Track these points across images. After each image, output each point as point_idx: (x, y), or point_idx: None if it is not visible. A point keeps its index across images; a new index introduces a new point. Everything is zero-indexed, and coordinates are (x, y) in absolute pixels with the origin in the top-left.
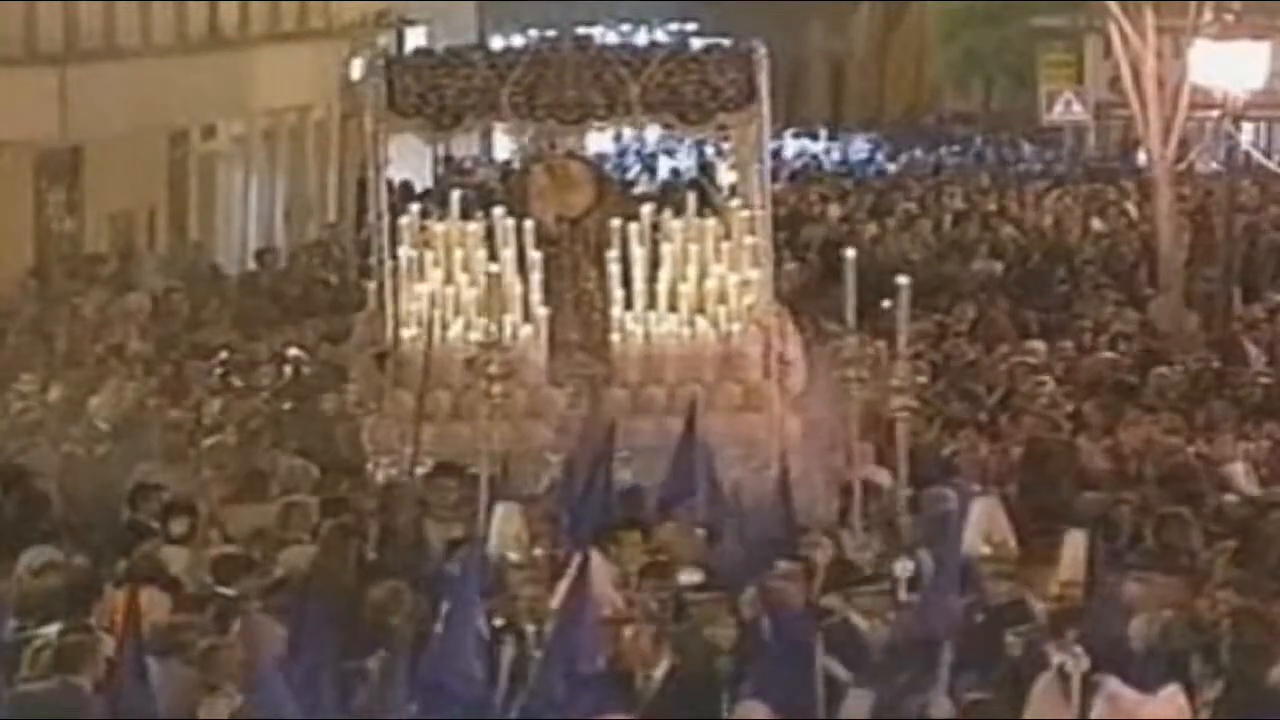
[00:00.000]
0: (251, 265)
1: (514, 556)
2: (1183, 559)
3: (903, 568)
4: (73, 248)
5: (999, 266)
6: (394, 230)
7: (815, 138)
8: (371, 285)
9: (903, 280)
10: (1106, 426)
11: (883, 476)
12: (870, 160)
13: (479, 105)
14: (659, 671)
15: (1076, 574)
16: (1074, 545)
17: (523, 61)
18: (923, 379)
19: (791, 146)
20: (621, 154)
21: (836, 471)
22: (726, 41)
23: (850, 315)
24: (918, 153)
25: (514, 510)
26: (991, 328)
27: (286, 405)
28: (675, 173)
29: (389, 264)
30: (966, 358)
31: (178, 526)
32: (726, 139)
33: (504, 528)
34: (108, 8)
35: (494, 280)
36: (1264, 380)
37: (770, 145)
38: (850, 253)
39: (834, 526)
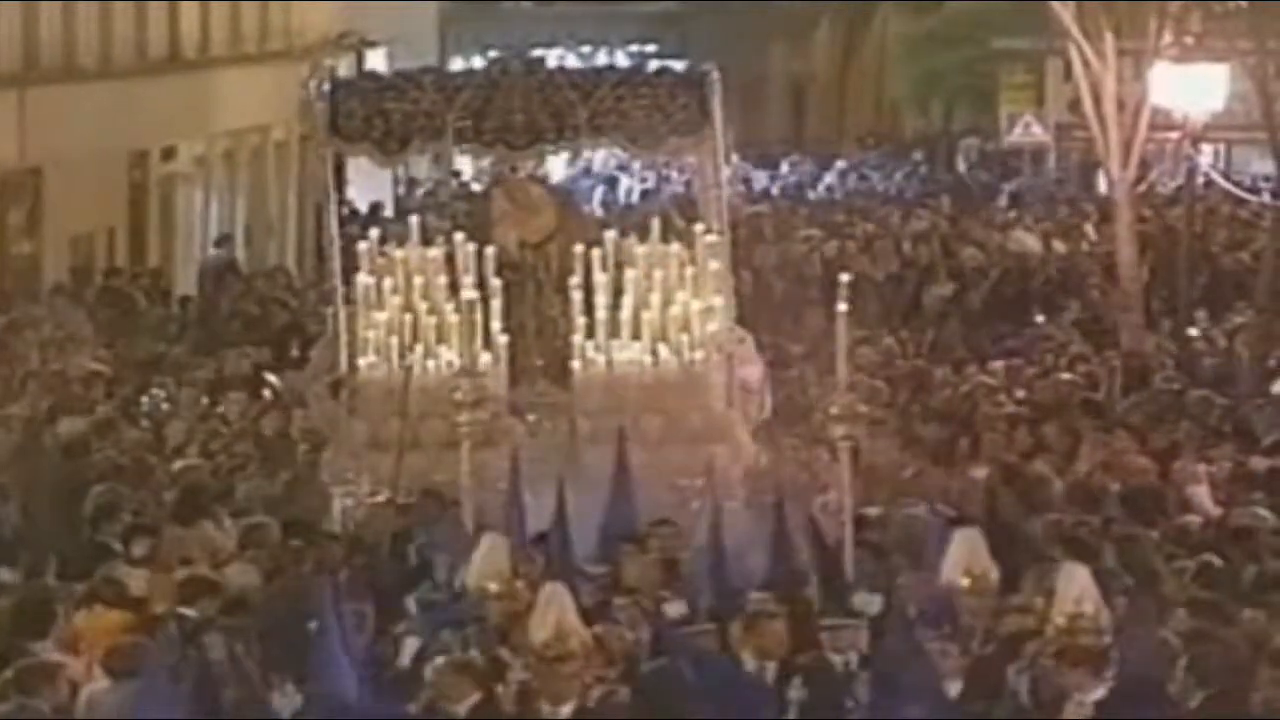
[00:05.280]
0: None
1: (493, 587)
2: (1144, 580)
3: (865, 601)
4: (32, 269)
5: (956, 288)
6: (351, 255)
7: (776, 159)
8: (329, 311)
9: (841, 307)
10: (1068, 448)
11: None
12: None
13: (426, 129)
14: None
15: (1083, 607)
16: (1071, 578)
17: (471, 85)
18: (868, 407)
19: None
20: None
21: (808, 501)
22: (679, 65)
23: (842, 344)
24: (877, 173)
25: (499, 541)
26: (952, 349)
27: (249, 428)
28: (644, 194)
29: (341, 290)
30: (927, 378)
31: (139, 548)
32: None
33: (488, 558)
34: (67, 28)
35: (463, 307)
36: (1224, 402)
37: (730, 168)
38: (845, 277)
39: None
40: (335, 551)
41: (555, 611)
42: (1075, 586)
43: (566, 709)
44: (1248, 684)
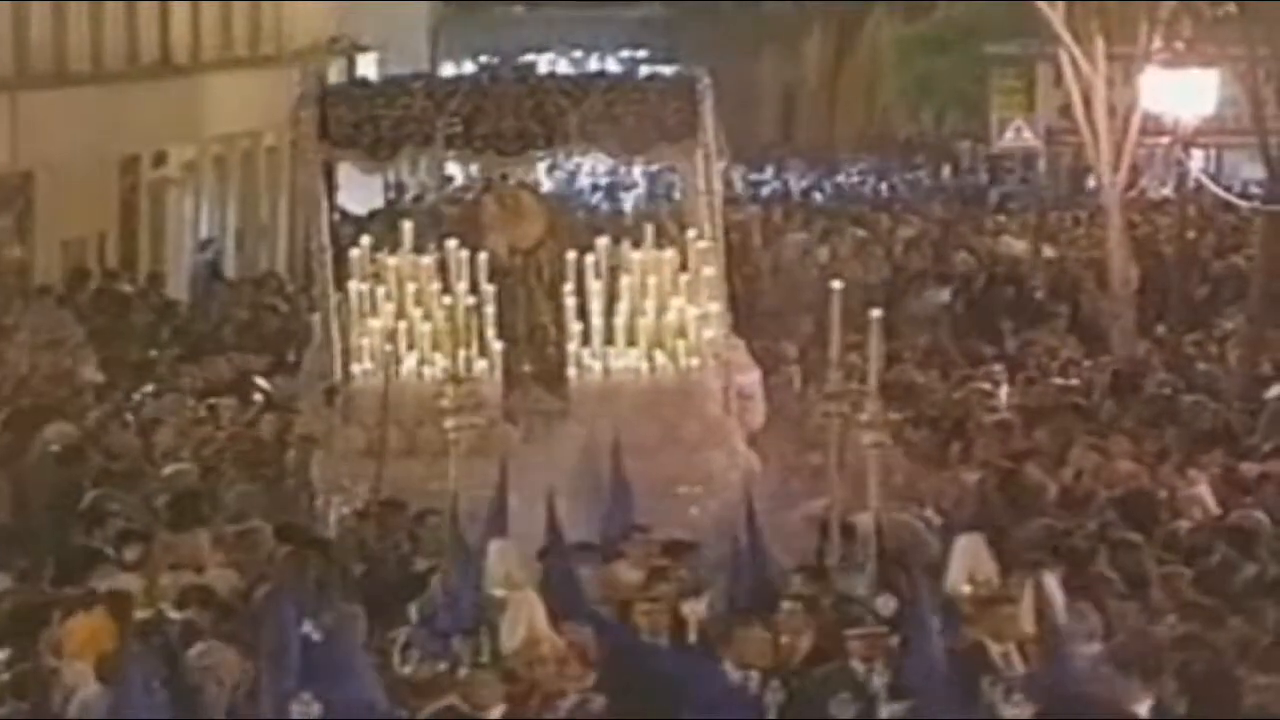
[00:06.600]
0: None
1: (499, 594)
2: (1135, 585)
3: (884, 604)
4: (22, 274)
5: (949, 293)
6: (342, 262)
7: (765, 165)
8: (317, 317)
9: (875, 313)
10: (1059, 453)
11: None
12: (825, 186)
13: (416, 135)
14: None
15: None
16: (1045, 587)
17: (461, 91)
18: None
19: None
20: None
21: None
22: (669, 71)
23: (835, 350)
24: (870, 178)
25: (508, 548)
26: (944, 353)
27: (241, 433)
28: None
29: (335, 297)
30: (919, 384)
31: (131, 553)
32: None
33: (497, 565)
34: (59, 33)
35: (457, 313)
36: (1215, 407)
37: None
38: (837, 284)
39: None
40: (312, 557)
41: (525, 619)
42: (1040, 595)
43: (495, 712)
44: (1235, 689)
